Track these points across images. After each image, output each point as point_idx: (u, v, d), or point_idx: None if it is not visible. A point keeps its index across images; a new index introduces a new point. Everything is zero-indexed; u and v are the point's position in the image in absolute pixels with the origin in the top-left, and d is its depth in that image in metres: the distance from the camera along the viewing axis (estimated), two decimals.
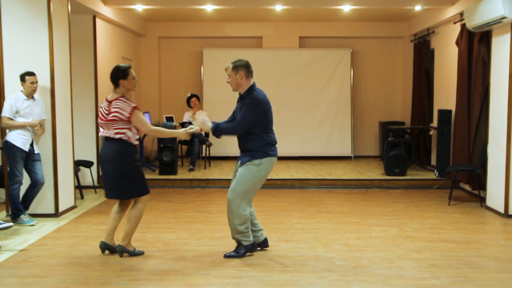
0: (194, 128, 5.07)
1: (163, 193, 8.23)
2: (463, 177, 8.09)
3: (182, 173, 9.40)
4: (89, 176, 8.27)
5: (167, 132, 5.96)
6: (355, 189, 8.50)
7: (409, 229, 5.97)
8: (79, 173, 7.83)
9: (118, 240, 4.95)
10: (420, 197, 7.88)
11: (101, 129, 4.87)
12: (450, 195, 7.46)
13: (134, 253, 4.93)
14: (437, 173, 8.86)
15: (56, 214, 6.57)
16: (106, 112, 4.73)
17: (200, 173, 9.44)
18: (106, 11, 8.54)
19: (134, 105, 4.74)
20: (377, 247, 5.26)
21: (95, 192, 8.22)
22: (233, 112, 5.03)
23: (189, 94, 10.38)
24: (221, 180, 8.83)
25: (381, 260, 4.82)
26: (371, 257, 4.91)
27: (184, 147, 10.79)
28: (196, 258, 4.87)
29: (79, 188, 7.76)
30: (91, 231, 5.93)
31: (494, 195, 6.90)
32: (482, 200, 7.25)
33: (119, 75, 4.78)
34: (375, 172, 9.56)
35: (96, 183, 8.43)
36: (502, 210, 6.66)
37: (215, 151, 10.69)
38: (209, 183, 8.81)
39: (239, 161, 4.92)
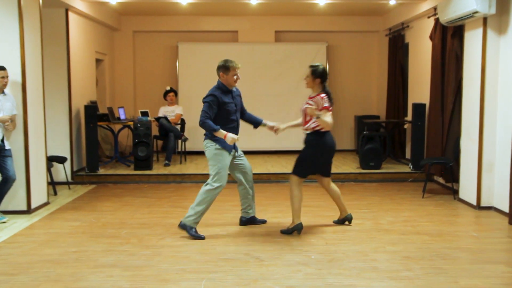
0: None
1: (138, 188, 8.15)
2: (436, 170, 8.19)
3: (158, 168, 9.33)
4: (62, 172, 8.16)
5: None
6: None
7: (384, 222, 6.02)
8: (52, 169, 7.71)
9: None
10: (395, 190, 7.96)
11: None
12: (424, 188, 7.55)
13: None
14: (411, 166, 8.96)
15: (28, 210, 6.47)
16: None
17: (175, 168, 9.38)
18: (79, 4, 8.39)
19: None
20: (352, 240, 5.30)
21: (69, 188, 8.11)
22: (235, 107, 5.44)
23: (168, 88, 10.29)
24: (197, 175, 8.78)
25: (355, 253, 4.86)
26: (346, 250, 4.94)
27: (160, 142, 10.70)
28: (171, 254, 4.84)
29: (52, 184, 7.64)
30: (65, 227, 5.84)
31: (467, 187, 7.01)
32: (455, 192, 7.36)
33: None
34: (350, 165, 9.62)
35: (69, 179, 8.32)
36: (474, 202, 6.77)
37: (190, 146, 10.63)
38: (184, 178, 8.75)
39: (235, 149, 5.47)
